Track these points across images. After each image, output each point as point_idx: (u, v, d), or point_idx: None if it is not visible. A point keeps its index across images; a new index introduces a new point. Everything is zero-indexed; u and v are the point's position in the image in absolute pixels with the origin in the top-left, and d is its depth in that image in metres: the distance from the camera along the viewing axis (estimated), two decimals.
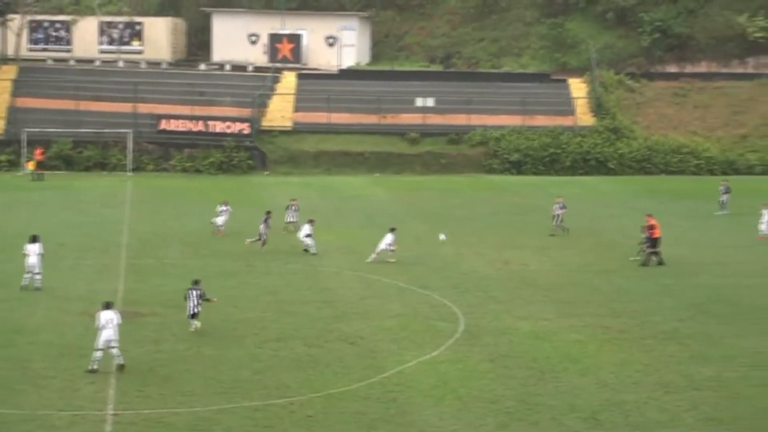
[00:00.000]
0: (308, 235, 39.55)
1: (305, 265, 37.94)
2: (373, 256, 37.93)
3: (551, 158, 65.31)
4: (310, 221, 40.17)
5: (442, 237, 39.30)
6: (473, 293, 33.74)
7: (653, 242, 37.91)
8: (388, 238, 37.98)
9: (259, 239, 39.88)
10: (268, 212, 41.19)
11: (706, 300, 32.85)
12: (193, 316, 28.31)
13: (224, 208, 43.98)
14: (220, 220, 43.45)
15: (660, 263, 37.55)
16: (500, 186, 59.71)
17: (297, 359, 26.41)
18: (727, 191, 49.94)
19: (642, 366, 25.94)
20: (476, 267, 37.84)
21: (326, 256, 39.43)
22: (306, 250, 39.53)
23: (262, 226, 40.14)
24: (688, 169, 65.43)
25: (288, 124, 67.47)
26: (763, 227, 43.10)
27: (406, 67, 75.07)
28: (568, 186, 59.66)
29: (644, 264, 37.56)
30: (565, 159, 65.19)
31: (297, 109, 68.39)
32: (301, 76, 71.67)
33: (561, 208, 44.46)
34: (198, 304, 28.18)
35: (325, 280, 35.64)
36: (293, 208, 44.25)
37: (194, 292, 28.28)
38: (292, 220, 43.65)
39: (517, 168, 65.12)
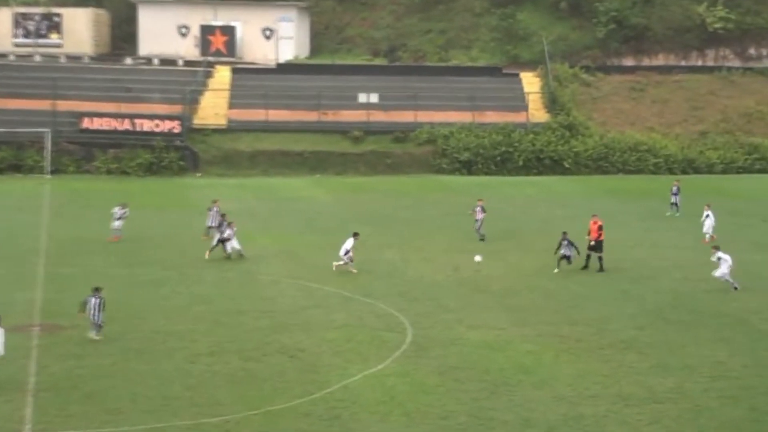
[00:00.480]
0: (226, 240, 39.18)
1: (241, 272, 37.64)
2: (340, 263, 37.48)
3: (503, 157, 65.65)
4: (229, 224, 39.65)
5: (477, 258, 38.24)
6: (422, 301, 33.72)
7: (596, 245, 38.16)
8: (347, 243, 37.46)
9: (218, 246, 39.44)
10: (223, 215, 40.91)
11: (666, 306, 33.19)
12: (96, 326, 28.12)
13: (122, 210, 43.32)
14: (116, 224, 42.86)
15: (601, 269, 37.83)
16: (450, 187, 59.90)
17: (232, 374, 26.16)
18: (679, 192, 50.43)
19: (600, 377, 26.09)
20: (425, 273, 37.84)
21: (264, 263, 39.17)
22: (240, 255, 39.25)
23: (222, 232, 39.52)
24: (647, 168, 66.22)
25: (222, 122, 67.01)
26: (705, 227, 43.59)
27: (348, 61, 75.00)
28: (521, 186, 60.09)
29: (585, 267, 37.98)
30: (518, 158, 65.57)
31: (231, 106, 67.96)
32: (235, 71, 71.26)
33: (481, 212, 44.07)
34: (99, 312, 27.98)
35: (262, 288, 35.39)
36: (214, 210, 43.56)
37: (93, 300, 28.11)
38: (212, 224, 42.77)
39: (468, 168, 65.36)
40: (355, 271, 37.03)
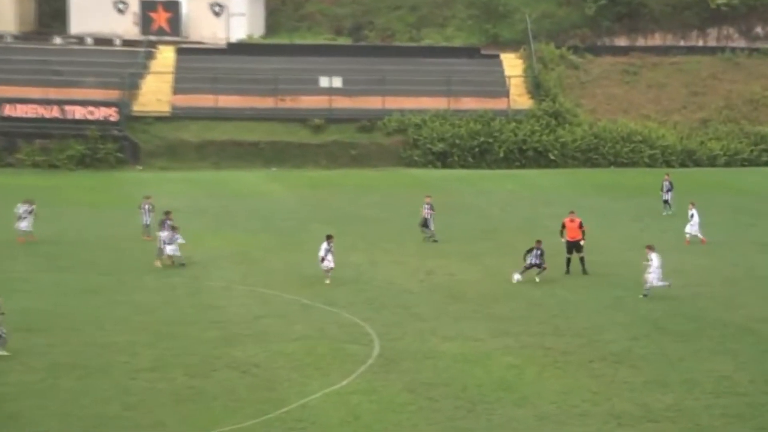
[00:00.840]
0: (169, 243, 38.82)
1: (187, 278, 37.54)
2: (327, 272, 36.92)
3: (482, 148, 65.88)
4: (173, 228, 39.16)
5: (517, 277, 37.14)
6: (390, 310, 33.77)
7: (571, 246, 38.33)
8: (321, 249, 36.67)
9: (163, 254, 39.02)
10: (167, 212, 40.29)
11: (662, 314, 33.42)
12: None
13: (27, 207, 43.02)
14: (24, 224, 42.56)
15: (577, 271, 37.95)
16: (422, 181, 59.97)
17: (177, 392, 26.09)
18: (672, 188, 50.69)
19: (590, 394, 26.24)
20: (394, 278, 37.89)
21: (213, 267, 39.08)
22: (177, 262, 38.81)
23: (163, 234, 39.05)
24: (642, 161, 66.70)
25: (165, 109, 66.81)
26: (689, 228, 43.94)
27: (308, 41, 75.01)
28: (502, 181, 60.34)
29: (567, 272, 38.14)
30: (499, 149, 65.83)
31: (176, 92, 67.78)
32: (180, 52, 71.05)
33: (429, 210, 44.14)
34: None
35: (211, 295, 35.32)
36: (146, 207, 43.35)
37: None
38: (148, 222, 42.44)
39: (442, 160, 65.53)
40: (327, 281, 36.58)
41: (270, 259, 40.37)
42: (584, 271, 38.28)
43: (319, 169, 64.16)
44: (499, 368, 28.06)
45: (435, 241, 43.69)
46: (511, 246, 42.83)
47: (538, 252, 37.14)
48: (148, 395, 25.83)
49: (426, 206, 44.39)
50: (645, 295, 35.03)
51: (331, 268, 36.53)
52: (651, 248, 35.61)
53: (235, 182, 59.06)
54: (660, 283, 35.16)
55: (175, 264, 38.90)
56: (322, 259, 36.52)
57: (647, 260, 35.35)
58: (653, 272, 35.10)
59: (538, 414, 24.90)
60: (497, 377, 27.33)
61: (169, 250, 38.91)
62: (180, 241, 38.98)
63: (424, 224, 44.31)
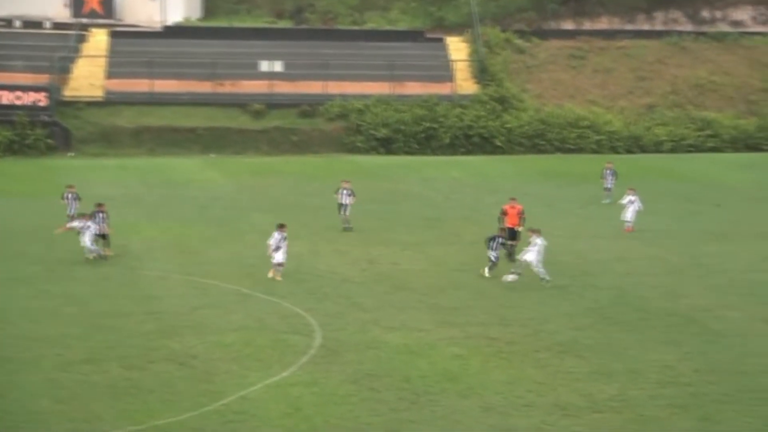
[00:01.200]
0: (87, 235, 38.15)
1: (122, 268, 37.33)
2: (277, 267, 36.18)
3: (427, 134, 66.10)
4: (92, 214, 38.35)
5: (510, 278, 35.90)
6: (333, 300, 33.83)
7: (511, 233, 38.54)
8: (272, 238, 35.80)
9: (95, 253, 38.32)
10: (99, 205, 39.58)
11: (608, 304, 33.79)
12: None
13: None
14: None
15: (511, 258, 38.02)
16: (365, 168, 60.07)
17: (112, 385, 25.99)
18: (614, 175, 51.04)
19: (535, 384, 26.48)
20: (336, 267, 37.95)
21: (149, 258, 38.90)
22: (98, 256, 37.99)
23: (93, 226, 38.43)
24: (588, 147, 67.31)
25: (98, 93, 66.32)
26: (628, 215, 44.29)
27: (248, 24, 74.78)
28: (446, 168, 60.56)
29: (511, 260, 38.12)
30: (444, 135, 66.08)
31: (109, 76, 67.31)
32: (114, 35, 70.54)
33: (349, 196, 43.98)
34: None
35: (147, 286, 35.17)
36: (70, 196, 42.76)
37: None
38: (73, 212, 41.58)
39: (386, 146, 65.67)
40: (279, 278, 35.65)
41: (208, 249, 40.26)
42: (511, 258, 38.10)
43: (260, 155, 64.01)
44: (443, 359, 28.23)
45: (350, 229, 43.30)
46: (456, 235, 43.06)
47: (501, 241, 36.94)
48: (81, 388, 25.69)
49: (344, 191, 44.10)
50: (546, 280, 34.98)
51: (282, 264, 35.68)
52: (536, 232, 35.49)
53: (172, 169, 58.76)
54: (539, 269, 35.10)
55: (89, 257, 38.06)
56: (275, 250, 35.52)
57: (533, 243, 35.32)
58: (531, 251, 34.94)
59: (483, 405, 25.09)
60: (441, 368, 27.49)
61: (84, 239, 37.87)
62: (92, 231, 37.72)
63: (344, 210, 43.83)
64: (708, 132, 69.19)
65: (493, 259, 36.58)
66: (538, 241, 35.33)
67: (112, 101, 65.91)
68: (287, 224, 36.43)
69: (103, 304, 32.89)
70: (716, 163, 64.07)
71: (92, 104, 65.52)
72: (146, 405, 24.77)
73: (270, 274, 35.91)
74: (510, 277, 35.68)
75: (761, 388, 26.19)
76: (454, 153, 65.50)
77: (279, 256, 35.68)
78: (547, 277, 35.35)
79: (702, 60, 74.49)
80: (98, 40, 70.02)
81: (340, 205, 43.98)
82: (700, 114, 70.27)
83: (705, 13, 77.27)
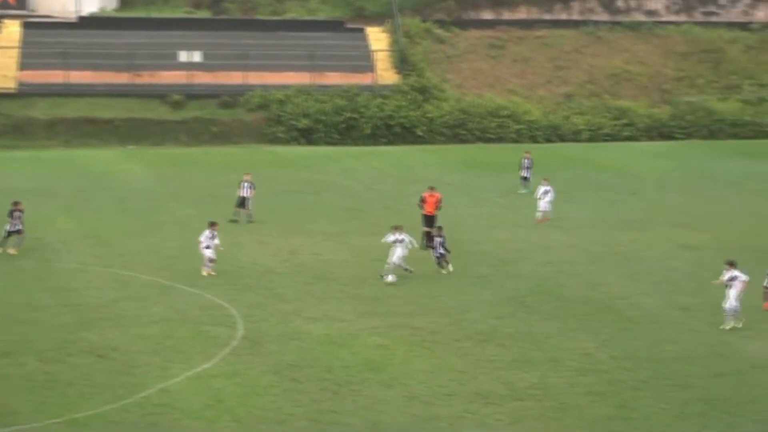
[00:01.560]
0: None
1: (38, 260, 36.87)
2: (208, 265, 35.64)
3: (347, 124, 66.12)
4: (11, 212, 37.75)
5: (390, 279, 34.85)
6: (254, 291, 33.75)
7: (428, 219, 38.64)
8: (203, 235, 35.42)
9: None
10: (16, 203, 38.75)
11: (527, 293, 34.13)
12: None
13: None
14: None
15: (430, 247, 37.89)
16: (286, 159, 59.96)
17: (29, 377, 25.71)
18: (531, 164, 51.33)
19: (457, 373, 26.68)
20: (257, 258, 37.86)
21: (66, 250, 38.46)
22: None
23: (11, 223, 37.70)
24: (508, 136, 67.78)
25: (11, 85, 65.44)
26: (542, 205, 44.60)
27: (166, 14, 74.09)
28: (367, 158, 60.63)
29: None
30: (365, 125, 66.14)
31: (22, 67, 66.44)
32: (27, 26, 69.58)
33: (250, 188, 43.78)
34: None
35: (65, 278, 34.78)
36: None
37: None
38: None
39: (307, 137, 65.56)
40: (213, 273, 35.13)
41: (126, 241, 39.89)
42: (424, 246, 38.04)
43: (179, 146, 63.53)
44: (365, 349, 28.32)
45: (234, 220, 42.97)
46: (377, 225, 43.09)
47: (441, 240, 36.27)
48: None
49: (245, 184, 43.97)
50: (410, 271, 34.93)
51: (213, 260, 35.38)
52: (398, 228, 35.02)
53: (89, 161, 58.08)
54: (401, 263, 34.96)
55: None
56: (205, 247, 35.19)
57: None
58: (400, 252, 34.68)
59: (406, 394, 25.23)
60: (364, 358, 27.58)
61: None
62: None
63: (242, 204, 43.51)
64: (624, 121, 70.04)
65: (436, 255, 36.44)
66: (405, 238, 35.05)
67: (25, 93, 65.00)
68: (208, 216, 36.28)
69: (18, 297, 32.49)
70: (632, 151, 64.92)
71: (4, 96, 64.53)
72: (64, 398, 24.54)
73: (204, 273, 35.39)
74: (389, 278, 35.05)
75: (676, 375, 26.68)
76: (376, 143, 65.58)
77: (209, 253, 35.44)
78: (410, 269, 35.13)
79: (617, 49, 75.39)
80: (11, 31, 68.99)
81: (242, 197, 43.66)
82: (615, 103, 71.12)
83: (620, 3, 78.17)
